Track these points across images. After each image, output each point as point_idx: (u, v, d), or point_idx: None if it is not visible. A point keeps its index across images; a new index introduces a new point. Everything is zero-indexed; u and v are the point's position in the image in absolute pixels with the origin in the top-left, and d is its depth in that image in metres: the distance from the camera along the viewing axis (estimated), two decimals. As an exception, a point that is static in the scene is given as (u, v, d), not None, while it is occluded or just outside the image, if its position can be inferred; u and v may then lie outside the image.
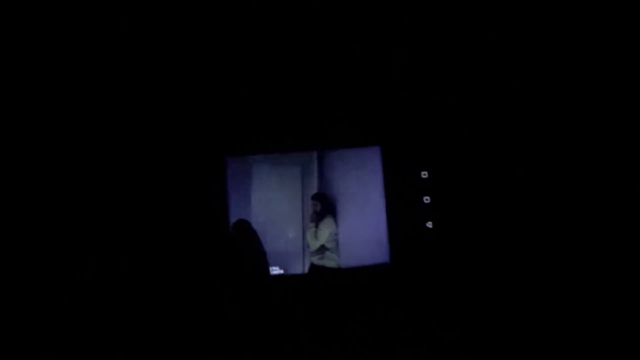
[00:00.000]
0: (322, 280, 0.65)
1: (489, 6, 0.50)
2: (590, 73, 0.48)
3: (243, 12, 0.53)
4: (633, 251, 0.49)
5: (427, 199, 0.56)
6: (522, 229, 0.52)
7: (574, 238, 0.51)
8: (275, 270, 0.76)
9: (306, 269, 0.98)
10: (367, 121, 0.56)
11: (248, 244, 0.56)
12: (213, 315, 0.51)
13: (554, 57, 0.48)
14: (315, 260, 1.03)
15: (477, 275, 0.56)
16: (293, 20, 0.54)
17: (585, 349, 0.52)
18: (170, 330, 0.52)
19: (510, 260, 0.54)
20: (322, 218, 1.20)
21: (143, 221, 0.57)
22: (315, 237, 1.22)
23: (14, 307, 0.54)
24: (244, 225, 0.88)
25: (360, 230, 1.12)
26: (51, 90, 0.56)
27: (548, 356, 0.53)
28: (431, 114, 0.52)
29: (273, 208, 1.19)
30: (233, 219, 0.98)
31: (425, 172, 0.56)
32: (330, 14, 0.54)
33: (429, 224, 0.56)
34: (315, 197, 1.19)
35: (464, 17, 0.51)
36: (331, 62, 0.54)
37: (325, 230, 1.22)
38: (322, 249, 1.19)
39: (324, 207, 1.19)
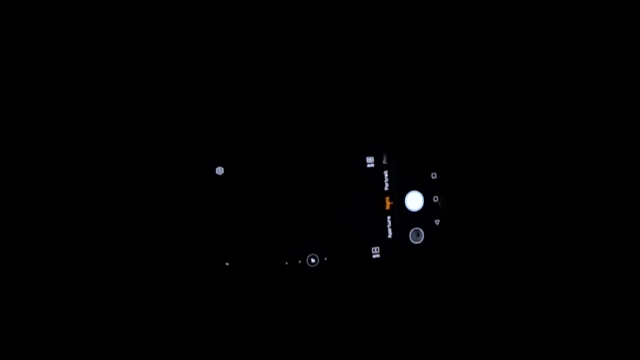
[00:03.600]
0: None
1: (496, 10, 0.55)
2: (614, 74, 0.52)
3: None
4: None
5: (435, 199, 0.56)
6: (532, 230, 0.52)
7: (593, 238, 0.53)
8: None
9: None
10: (373, 126, 0.56)
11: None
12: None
13: (573, 57, 0.52)
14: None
15: (483, 274, 0.55)
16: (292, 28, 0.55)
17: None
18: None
19: (517, 262, 0.54)
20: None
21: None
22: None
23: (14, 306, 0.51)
24: None
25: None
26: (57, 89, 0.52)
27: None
28: (439, 116, 0.53)
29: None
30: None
31: (435, 174, 0.57)
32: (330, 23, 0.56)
33: (437, 222, 0.55)
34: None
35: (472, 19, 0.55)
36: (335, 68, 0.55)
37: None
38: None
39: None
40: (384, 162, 0.57)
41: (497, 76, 0.58)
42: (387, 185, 0.57)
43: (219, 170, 0.54)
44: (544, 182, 0.57)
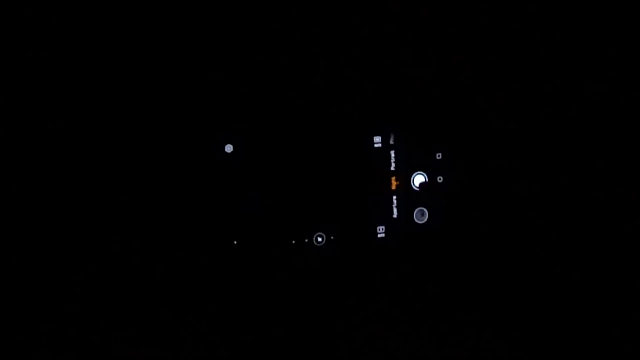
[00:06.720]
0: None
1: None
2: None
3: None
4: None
5: (440, 179, 0.57)
6: (535, 211, 0.54)
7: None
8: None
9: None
10: (380, 107, 0.56)
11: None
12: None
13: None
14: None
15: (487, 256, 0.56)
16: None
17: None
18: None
19: (517, 241, 0.55)
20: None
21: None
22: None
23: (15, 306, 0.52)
24: None
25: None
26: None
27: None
28: (445, 97, 0.53)
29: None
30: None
31: (440, 154, 0.57)
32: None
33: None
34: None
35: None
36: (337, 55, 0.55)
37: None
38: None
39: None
40: (391, 142, 0.57)
41: (505, 59, 0.58)
42: (393, 165, 0.57)
43: (228, 148, 0.54)
44: (549, 164, 0.57)
